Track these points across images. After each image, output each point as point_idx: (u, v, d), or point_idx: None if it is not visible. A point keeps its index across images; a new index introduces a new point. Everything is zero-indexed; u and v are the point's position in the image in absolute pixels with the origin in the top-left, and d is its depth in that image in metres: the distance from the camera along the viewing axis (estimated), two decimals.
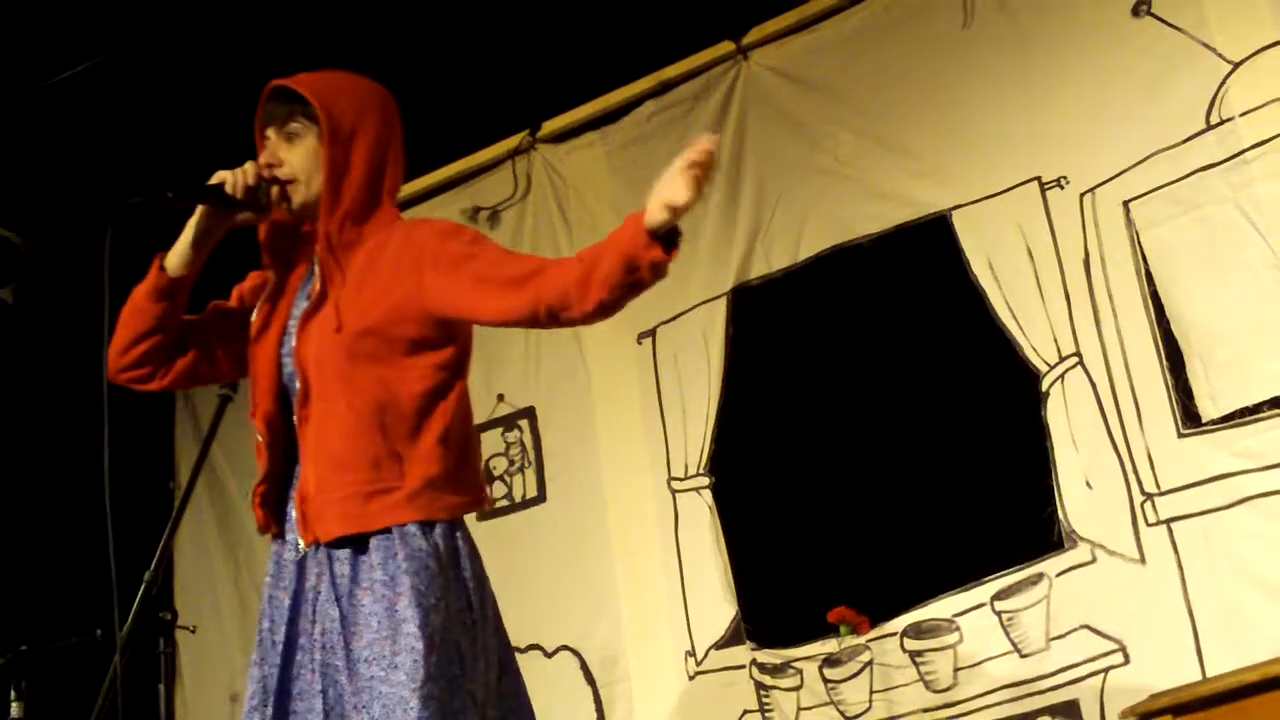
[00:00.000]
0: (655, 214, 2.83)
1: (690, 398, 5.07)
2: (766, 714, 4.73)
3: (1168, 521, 4.23)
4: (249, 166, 3.00)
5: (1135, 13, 4.52)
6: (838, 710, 4.65)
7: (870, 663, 4.62)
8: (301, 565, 2.92)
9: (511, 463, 5.38)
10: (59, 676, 4.62)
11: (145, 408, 6.23)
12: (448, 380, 2.98)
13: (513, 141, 5.58)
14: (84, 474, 5.99)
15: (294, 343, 3.01)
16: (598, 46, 5.32)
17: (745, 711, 4.75)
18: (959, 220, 4.72)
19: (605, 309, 2.88)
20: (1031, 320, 4.55)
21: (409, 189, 5.83)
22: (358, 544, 2.87)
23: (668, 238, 2.86)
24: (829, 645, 4.69)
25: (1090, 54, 4.58)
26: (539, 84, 5.47)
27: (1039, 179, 4.61)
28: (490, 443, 5.45)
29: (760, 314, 5.05)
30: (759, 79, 5.18)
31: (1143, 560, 4.26)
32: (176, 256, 3.05)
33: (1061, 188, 4.57)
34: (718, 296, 5.11)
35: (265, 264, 3.14)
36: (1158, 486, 4.26)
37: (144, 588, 3.46)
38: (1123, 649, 4.25)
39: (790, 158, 5.08)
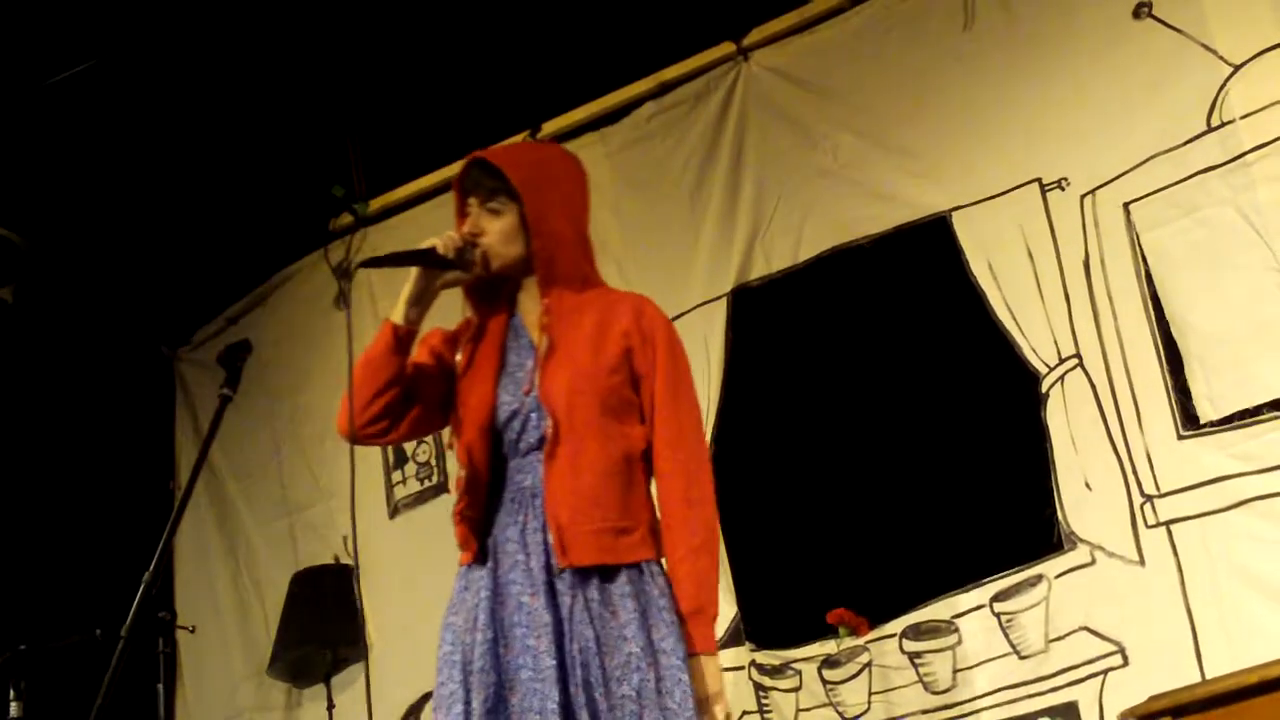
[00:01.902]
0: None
1: None
2: (765, 715, 4.73)
3: (1167, 523, 4.23)
4: (454, 234, 3.34)
5: (1136, 15, 4.52)
6: (836, 711, 4.65)
7: (869, 664, 4.62)
8: (551, 589, 3.19)
9: None
10: (58, 676, 4.61)
11: (144, 408, 6.25)
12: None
13: (513, 142, 5.58)
14: (83, 474, 6.02)
15: (528, 387, 3.32)
16: (598, 47, 5.33)
17: (744, 713, 4.75)
18: (959, 221, 4.73)
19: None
20: (1031, 322, 4.56)
21: (410, 190, 5.85)
22: (605, 575, 3.21)
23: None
24: (828, 646, 4.69)
25: (1091, 55, 4.59)
26: (539, 85, 5.47)
27: (1039, 180, 4.62)
28: None
29: (760, 315, 5.05)
30: (759, 80, 5.19)
31: (1142, 562, 4.26)
32: (401, 314, 3.32)
33: (1062, 189, 4.57)
34: (718, 297, 5.11)
35: (467, 307, 3.46)
36: (1157, 488, 4.27)
37: (143, 588, 3.45)
38: (1122, 651, 4.25)
39: (790, 159, 5.08)
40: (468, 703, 3.15)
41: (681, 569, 3.23)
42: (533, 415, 3.30)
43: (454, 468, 3.39)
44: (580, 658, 3.12)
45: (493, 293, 3.44)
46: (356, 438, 3.38)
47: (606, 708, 3.09)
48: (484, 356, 3.38)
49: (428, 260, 3.30)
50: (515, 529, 3.25)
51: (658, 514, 3.33)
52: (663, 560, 3.29)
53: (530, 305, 3.41)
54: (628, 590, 3.19)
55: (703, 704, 3.15)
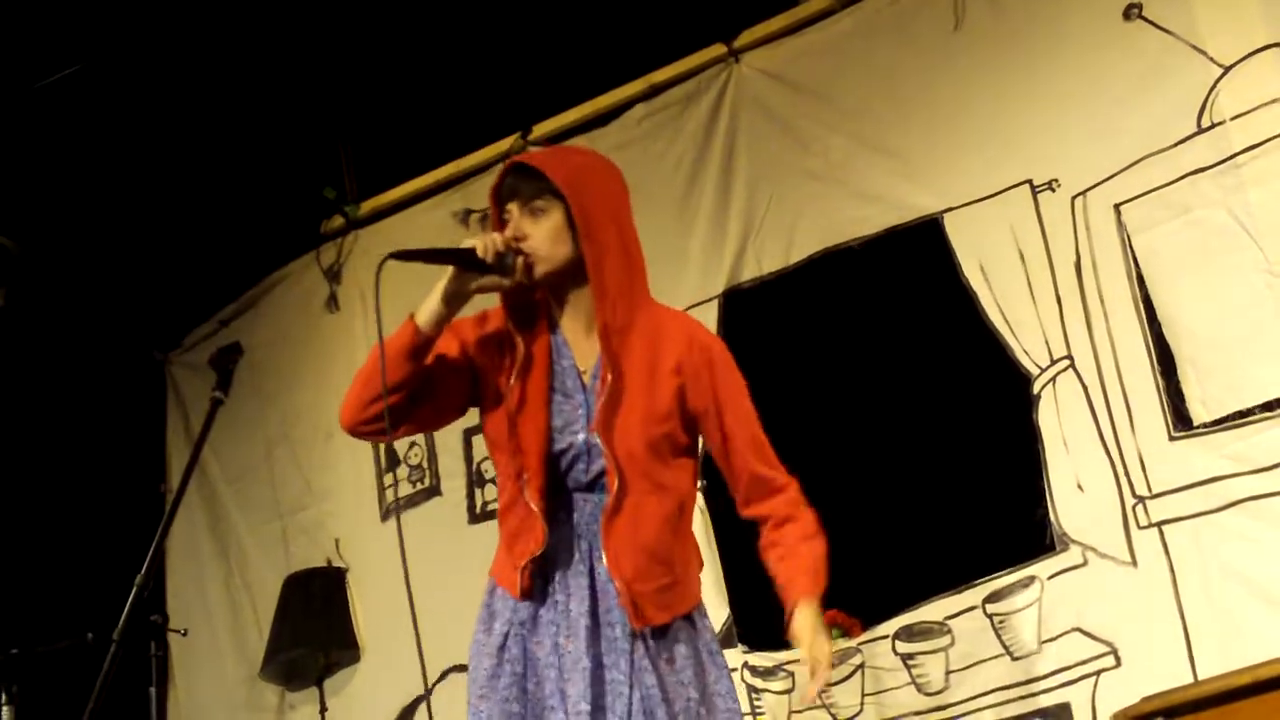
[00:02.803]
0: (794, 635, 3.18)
1: None
2: (758, 717, 4.73)
3: (1159, 524, 4.24)
4: (497, 236, 3.14)
5: (1126, 16, 4.52)
6: (829, 713, 4.65)
7: (862, 665, 4.63)
8: (594, 633, 3.14)
9: None
10: (49, 680, 4.60)
11: (136, 412, 6.24)
12: (698, 470, 3.35)
13: (504, 144, 5.58)
14: (74, 477, 6.01)
15: (581, 421, 3.19)
16: (588, 49, 5.33)
17: None
18: (950, 223, 4.73)
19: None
20: (1023, 323, 4.56)
21: (401, 191, 5.85)
22: (662, 626, 3.17)
23: None
24: None
25: (1081, 57, 4.59)
26: (530, 87, 5.47)
27: (1030, 182, 4.62)
28: (482, 446, 5.43)
29: (751, 316, 5.05)
30: (750, 82, 5.19)
31: (1134, 563, 4.26)
32: (428, 316, 3.13)
33: (1053, 191, 4.57)
34: (709, 299, 5.11)
35: (511, 330, 3.24)
36: (1149, 489, 4.27)
37: (135, 591, 3.44)
38: (1114, 651, 4.25)
39: (781, 161, 5.08)
40: None
41: (807, 560, 3.22)
42: (584, 455, 3.17)
43: (487, 490, 3.33)
44: (644, 705, 3.08)
45: (529, 308, 3.25)
46: (357, 433, 3.24)
47: None
48: (534, 383, 3.20)
49: (465, 261, 3.10)
50: (560, 570, 3.17)
51: (696, 551, 3.32)
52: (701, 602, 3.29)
53: (572, 324, 3.24)
54: (681, 638, 3.18)
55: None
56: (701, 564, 3.36)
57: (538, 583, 3.18)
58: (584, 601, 3.14)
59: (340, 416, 3.22)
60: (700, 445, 3.31)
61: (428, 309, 3.13)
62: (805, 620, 3.11)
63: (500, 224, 3.20)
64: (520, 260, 3.13)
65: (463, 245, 3.11)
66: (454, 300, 3.13)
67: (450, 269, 3.12)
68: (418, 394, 3.18)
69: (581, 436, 3.17)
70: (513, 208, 3.19)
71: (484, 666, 3.18)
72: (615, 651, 3.11)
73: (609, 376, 3.14)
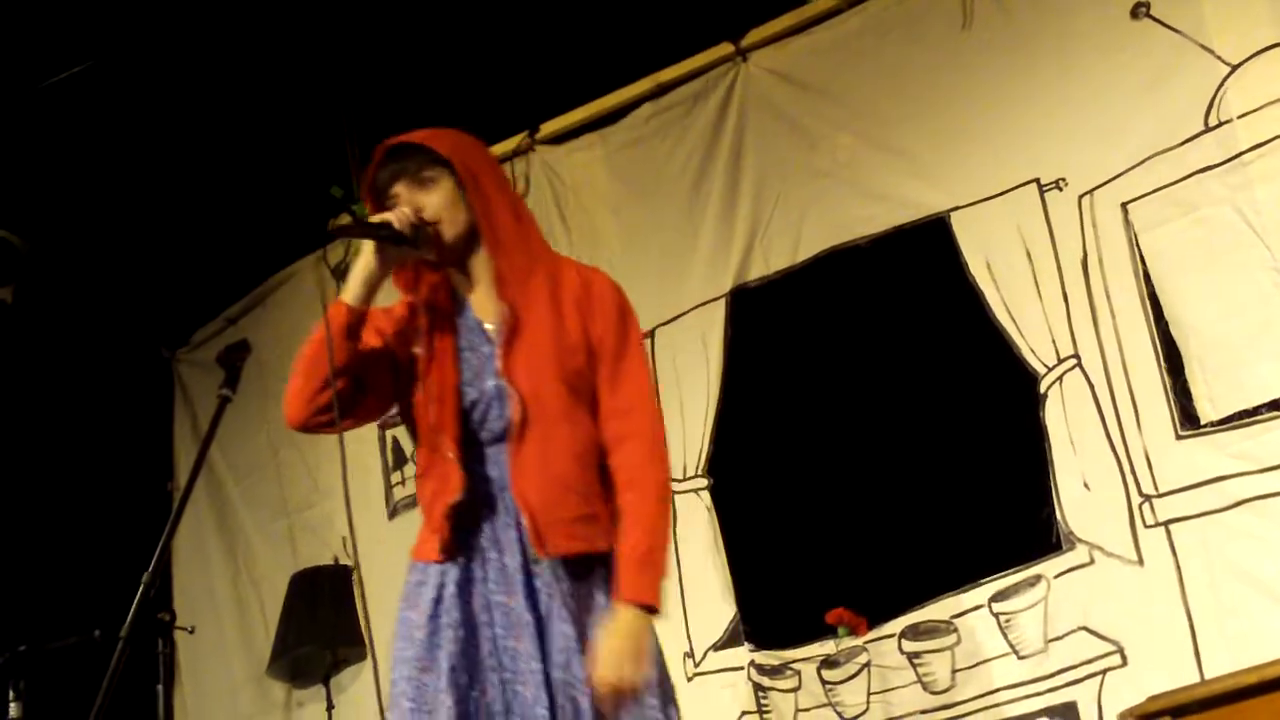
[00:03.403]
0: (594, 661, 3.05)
1: (689, 399, 5.07)
2: (765, 715, 4.73)
3: (1166, 523, 4.23)
4: (405, 209, 3.18)
5: (1134, 14, 4.52)
6: (835, 712, 4.65)
7: (868, 664, 4.62)
8: (530, 586, 3.10)
9: None
10: (57, 677, 4.61)
11: (143, 409, 6.25)
12: None
13: (511, 143, 5.59)
14: (82, 474, 6.02)
15: (486, 370, 3.20)
16: (596, 49, 5.33)
17: (743, 713, 4.76)
18: (957, 222, 4.73)
19: None
20: (1030, 322, 4.56)
21: None
22: (581, 566, 3.12)
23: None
24: (827, 647, 4.70)
25: (1089, 55, 4.59)
26: (537, 86, 5.47)
27: (1037, 180, 4.62)
28: None
29: (759, 315, 5.05)
30: (757, 81, 5.19)
31: (1141, 562, 4.26)
32: (354, 293, 3.18)
33: (1060, 189, 4.57)
34: (716, 298, 5.11)
35: (406, 297, 3.32)
36: (1156, 488, 4.27)
37: (142, 588, 3.44)
38: (1120, 651, 4.25)
39: (789, 159, 5.08)
40: (418, 701, 3.05)
41: (645, 517, 3.11)
42: (494, 404, 3.17)
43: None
44: (559, 658, 3.03)
45: (430, 279, 3.30)
46: (307, 426, 3.24)
47: (588, 706, 2.99)
48: (441, 341, 3.24)
49: (384, 234, 3.15)
50: (486, 524, 3.14)
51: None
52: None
53: (473, 284, 3.28)
54: (599, 585, 3.11)
55: (623, 662, 3.00)
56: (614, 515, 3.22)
57: (461, 537, 3.14)
58: (516, 555, 3.10)
59: (285, 414, 3.22)
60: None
61: (353, 286, 3.18)
62: (608, 631, 3.04)
63: (385, 210, 3.23)
64: (430, 229, 3.20)
65: (377, 219, 3.17)
66: (373, 277, 3.18)
67: (369, 247, 3.17)
68: (359, 381, 3.22)
69: (490, 383, 3.18)
70: (400, 189, 3.23)
71: (417, 639, 3.11)
72: (543, 601, 3.07)
73: (513, 313, 3.19)
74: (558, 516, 3.10)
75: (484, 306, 3.27)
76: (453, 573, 3.13)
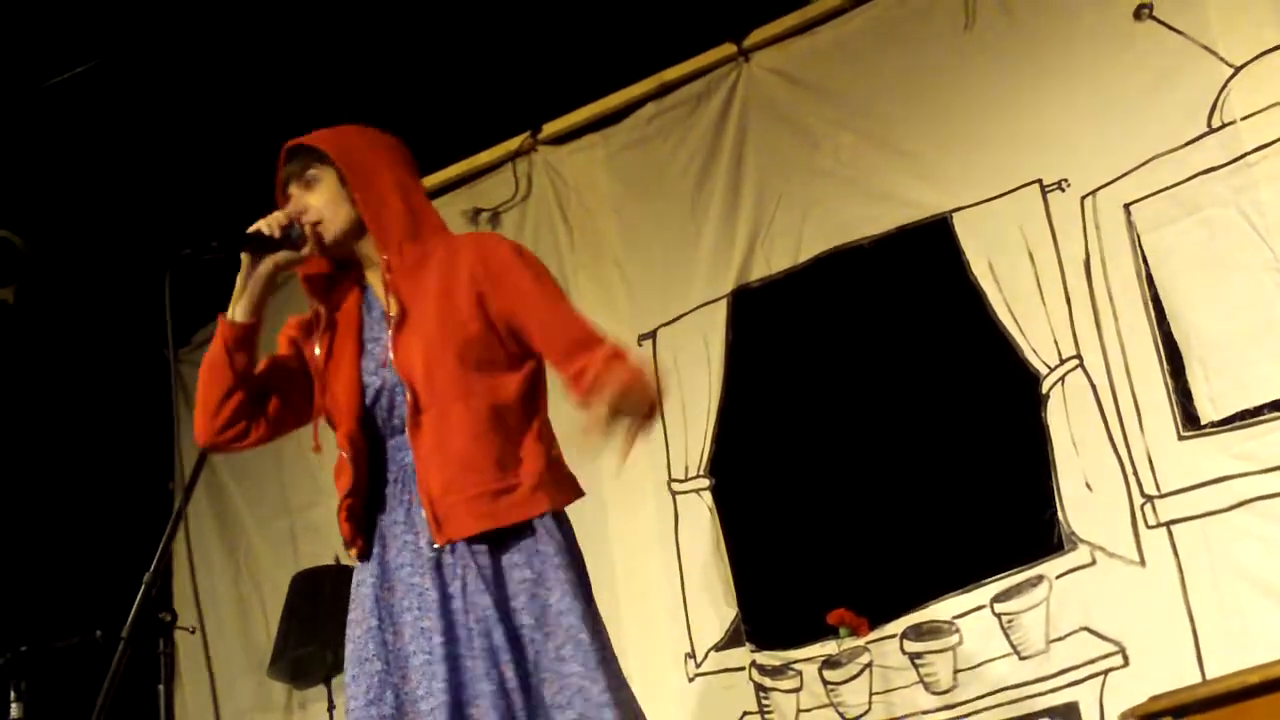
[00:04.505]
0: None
1: (691, 399, 5.07)
2: (766, 716, 4.73)
3: (1168, 524, 4.24)
4: (278, 213, 3.22)
5: (1137, 16, 4.52)
6: (837, 712, 4.65)
7: (870, 664, 4.62)
8: (438, 566, 3.07)
9: None
10: (59, 677, 4.61)
11: (145, 409, 6.24)
12: (540, 376, 3.23)
13: (514, 143, 5.59)
14: (83, 475, 6.02)
15: (386, 360, 3.19)
16: (599, 48, 5.32)
17: (745, 713, 4.75)
18: (959, 222, 4.73)
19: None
20: (1032, 322, 4.56)
21: None
22: (495, 540, 3.07)
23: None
24: (829, 647, 4.69)
25: (1092, 56, 4.59)
26: (540, 86, 5.46)
27: (1040, 181, 4.62)
28: None
29: (760, 316, 5.05)
30: (760, 81, 5.18)
31: (1143, 562, 4.26)
32: (236, 306, 3.23)
33: (1063, 190, 4.57)
34: (718, 298, 5.11)
35: (311, 302, 3.32)
36: (1158, 489, 4.27)
37: (144, 588, 3.45)
38: (1122, 651, 4.25)
39: (791, 160, 5.08)
40: (366, 697, 3.06)
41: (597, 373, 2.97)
42: (397, 389, 3.17)
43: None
44: (479, 627, 3.00)
45: (341, 274, 3.31)
46: (215, 445, 3.28)
47: (513, 674, 2.98)
48: (343, 338, 3.26)
49: (254, 244, 3.18)
50: (401, 509, 3.15)
51: (550, 459, 3.15)
52: (559, 513, 3.14)
53: (375, 274, 3.28)
54: (518, 559, 3.06)
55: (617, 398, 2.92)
56: (565, 480, 3.19)
57: (375, 528, 3.17)
58: (426, 534, 3.10)
59: (194, 437, 3.27)
60: None
61: (234, 300, 3.24)
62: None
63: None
64: (309, 229, 3.21)
65: (249, 230, 3.20)
66: (256, 285, 3.22)
67: (243, 259, 3.22)
68: (265, 390, 3.26)
69: (390, 371, 3.18)
70: (293, 190, 3.28)
71: (353, 637, 3.15)
72: (456, 576, 3.06)
73: (400, 302, 3.18)
74: (459, 498, 3.06)
75: (382, 290, 3.27)
76: (374, 563, 3.16)
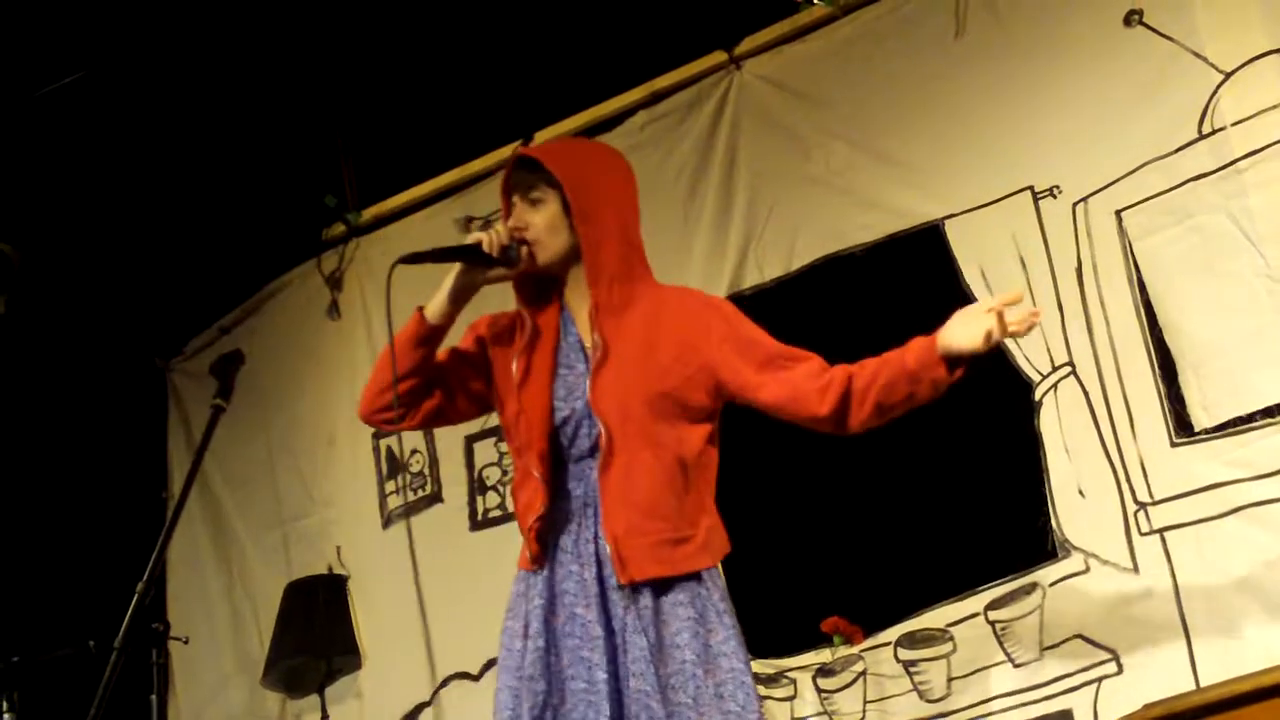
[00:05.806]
0: (955, 341, 3.31)
1: None
2: None
3: (1161, 531, 4.23)
4: (500, 228, 3.31)
5: (1127, 22, 4.52)
6: None
7: (864, 672, 4.62)
8: (604, 599, 3.20)
9: (505, 472, 5.38)
10: (51, 688, 4.60)
11: (137, 419, 6.24)
12: (715, 437, 3.39)
13: (505, 151, 5.57)
14: (76, 485, 6.01)
15: (580, 392, 3.30)
16: (590, 57, 5.33)
17: None
18: (951, 230, 4.73)
19: (880, 414, 3.41)
20: None
21: (403, 198, 5.85)
22: (662, 584, 3.19)
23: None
24: (823, 655, 4.69)
25: (1082, 63, 4.59)
26: (531, 94, 5.47)
27: (1031, 188, 4.62)
28: (483, 452, 5.45)
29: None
30: (751, 89, 5.18)
31: (1136, 570, 4.26)
32: (436, 307, 3.32)
33: (1054, 197, 4.57)
34: None
35: (521, 310, 3.40)
36: (1151, 496, 4.27)
37: (136, 598, 3.44)
38: (1116, 658, 4.25)
39: (783, 168, 5.08)
40: (515, 710, 3.16)
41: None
42: (584, 422, 3.27)
43: (494, 472, 3.37)
44: (634, 667, 3.11)
45: (543, 287, 3.40)
46: (371, 421, 3.42)
47: (664, 715, 3.07)
48: (539, 358, 3.35)
49: (471, 257, 3.27)
50: (569, 538, 3.25)
51: (717, 517, 3.34)
52: (719, 566, 3.31)
53: (579, 302, 3.37)
54: (682, 599, 3.18)
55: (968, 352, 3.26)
56: (723, 536, 3.36)
57: (548, 550, 3.26)
58: (592, 567, 3.20)
59: (358, 407, 3.40)
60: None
61: (435, 302, 3.32)
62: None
63: (509, 217, 3.35)
64: (524, 249, 3.29)
65: (468, 241, 3.28)
66: (462, 294, 3.33)
67: (458, 265, 3.30)
68: (433, 383, 3.35)
69: (581, 403, 3.28)
70: (516, 200, 3.34)
71: (515, 649, 3.24)
72: (618, 615, 3.17)
73: (602, 340, 3.28)
74: (642, 542, 3.19)
75: (586, 323, 3.36)
76: (541, 583, 3.25)
